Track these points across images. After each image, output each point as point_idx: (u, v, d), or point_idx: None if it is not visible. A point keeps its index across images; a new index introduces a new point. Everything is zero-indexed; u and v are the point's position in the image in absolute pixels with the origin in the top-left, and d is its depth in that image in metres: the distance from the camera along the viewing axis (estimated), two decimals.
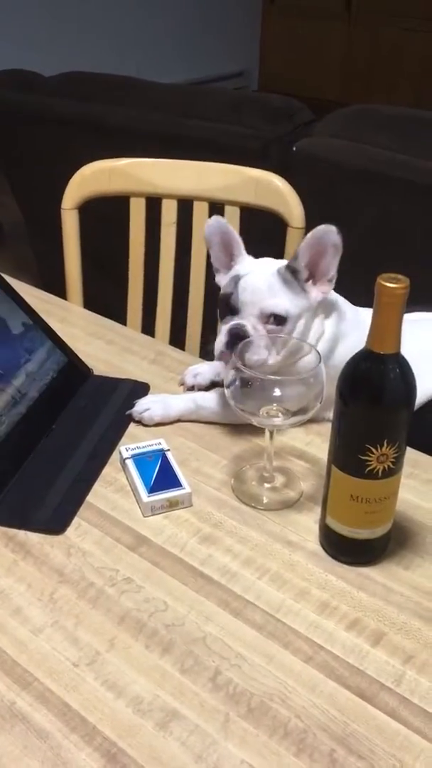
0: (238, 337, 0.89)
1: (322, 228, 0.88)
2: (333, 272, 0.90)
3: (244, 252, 0.96)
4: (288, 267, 0.90)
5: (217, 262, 0.98)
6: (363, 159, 1.67)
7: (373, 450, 0.70)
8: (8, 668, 0.66)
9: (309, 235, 0.89)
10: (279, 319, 0.89)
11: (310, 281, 0.91)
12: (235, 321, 0.91)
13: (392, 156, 1.67)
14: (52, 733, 0.62)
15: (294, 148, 1.70)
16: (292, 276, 0.90)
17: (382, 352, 0.67)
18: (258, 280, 0.91)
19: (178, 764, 0.60)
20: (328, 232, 0.88)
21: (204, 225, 0.95)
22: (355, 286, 1.25)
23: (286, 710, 0.64)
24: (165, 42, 4.61)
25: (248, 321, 0.90)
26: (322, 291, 0.92)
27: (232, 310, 0.92)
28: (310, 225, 1.35)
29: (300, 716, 0.63)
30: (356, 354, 0.70)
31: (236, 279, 0.92)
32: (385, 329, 0.67)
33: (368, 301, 1.06)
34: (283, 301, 0.88)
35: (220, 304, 0.94)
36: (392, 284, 0.64)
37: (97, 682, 0.66)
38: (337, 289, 1.04)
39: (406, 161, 1.66)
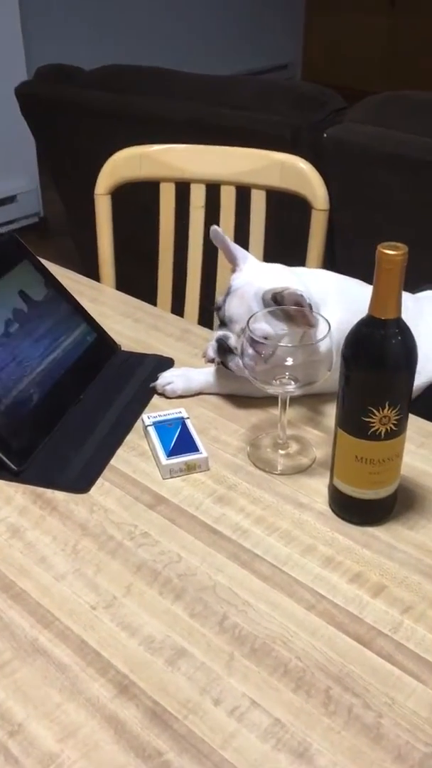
0: (223, 347, 0.96)
1: (290, 293, 0.89)
2: (312, 322, 0.88)
3: (245, 259, 0.99)
4: (273, 295, 0.91)
5: (230, 263, 1.02)
6: (394, 144, 1.69)
7: (375, 412, 0.73)
8: (32, 609, 0.72)
9: (286, 292, 0.89)
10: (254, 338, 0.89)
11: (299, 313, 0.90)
12: (222, 332, 0.97)
13: (423, 141, 1.68)
14: (70, 666, 0.67)
15: (325, 135, 1.73)
16: (275, 304, 0.91)
17: (383, 318, 0.71)
18: (241, 300, 0.94)
19: (185, 696, 0.64)
20: (292, 295, 0.89)
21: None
22: None
23: (287, 652, 0.68)
24: (207, 37, 4.65)
25: (233, 335, 0.96)
26: (302, 327, 0.90)
27: (221, 322, 0.98)
28: (344, 211, 1.38)
29: (300, 657, 0.68)
30: (360, 321, 0.74)
31: (227, 292, 0.97)
32: (386, 295, 0.70)
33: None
34: (261, 325, 0.89)
35: (214, 311, 0.99)
36: (391, 251, 0.68)
37: (113, 623, 0.71)
38: (368, 274, 1.06)
39: None
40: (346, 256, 1.78)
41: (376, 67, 4.99)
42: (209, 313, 1.42)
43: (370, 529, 0.81)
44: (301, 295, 0.87)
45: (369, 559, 0.77)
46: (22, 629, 0.70)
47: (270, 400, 0.98)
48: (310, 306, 0.87)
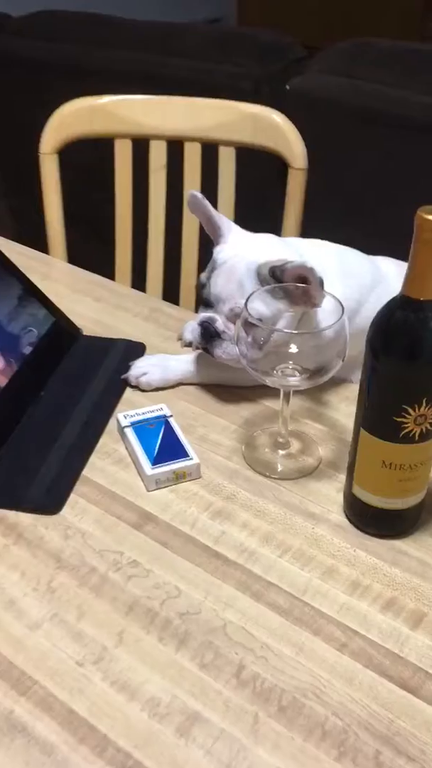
0: (209, 332, 0.82)
1: (295, 266, 0.76)
2: (317, 302, 0.75)
3: (230, 229, 0.85)
4: (271, 270, 0.78)
5: (211, 235, 0.88)
6: (361, 96, 1.56)
7: (411, 411, 0.61)
8: (3, 671, 0.58)
9: (291, 265, 0.76)
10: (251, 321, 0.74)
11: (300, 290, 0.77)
12: (207, 314, 0.83)
13: (390, 92, 1.56)
14: (58, 746, 0.54)
15: (287, 87, 1.58)
16: (273, 279, 0.78)
17: (421, 299, 0.58)
18: (231, 275, 0.81)
19: None
20: (297, 268, 0.76)
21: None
22: (356, 231, 1.16)
23: (322, 707, 0.56)
24: None
25: (220, 317, 0.82)
26: (304, 306, 0.77)
27: (206, 302, 0.84)
28: (311, 167, 1.25)
29: (338, 714, 0.56)
30: (390, 302, 0.61)
31: (212, 266, 0.83)
32: (426, 271, 0.58)
33: (372, 247, 0.98)
34: (256, 303, 0.75)
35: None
36: None
37: (105, 683, 0.58)
38: (338, 238, 0.95)
39: (405, 97, 1.55)
40: (314, 219, 1.65)
41: (316, 18, 4.81)
42: (175, 290, 1.28)
43: (396, 543, 0.70)
44: (311, 269, 0.73)
45: (401, 581, 0.66)
46: None
47: (262, 390, 0.85)
48: (321, 282, 0.74)
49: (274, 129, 1.13)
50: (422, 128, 1.52)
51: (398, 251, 0.99)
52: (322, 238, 0.94)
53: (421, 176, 1.55)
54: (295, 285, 0.75)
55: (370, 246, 0.96)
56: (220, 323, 0.82)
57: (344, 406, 0.86)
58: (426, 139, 1.52)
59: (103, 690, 0.57)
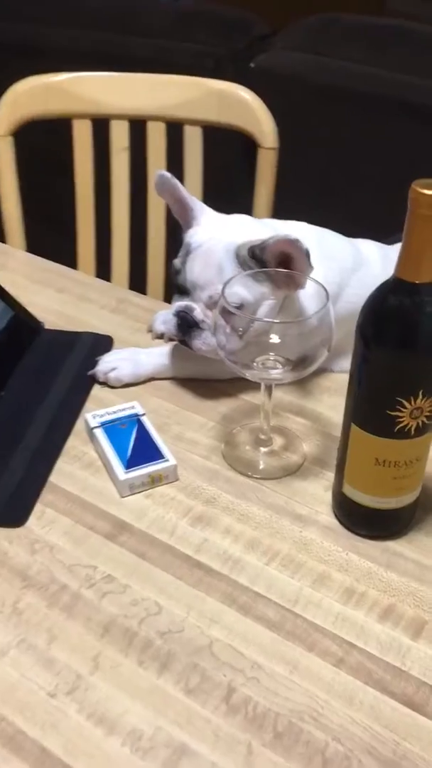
0: (186, 321, 0.76)
1: (278, 240, 0.71)
2: (302, 282, 0.70)
3: (203, 211, 0.80)
4: (251, 250, 0.73)
5: (181, 219, 0.82)
6: (328, 74, 1.51)
7: (406, 404, 0.56)
8: None
9: (273, 239, 0.71)
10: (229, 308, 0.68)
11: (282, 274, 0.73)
12: (184, 302, 0.77)
13: (359, 69, 1.51)
14: None
15: (252, 65, 1.52)
16: (253, 260, 0.73)
17: (417, 282, 0.53)
18: (208, 259, 0.75)
19: None
20: (279, 242, 0.71)
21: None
22: (332, 215, 1.11)
23: (322, 732, 0.52)
24: None
25: (198, 305, 0.76)
26: (288, 290, 0.73)
27: (181, 289, 0.78)
28: (278, 149, 1.20)
29: (339, 738, 0.51)
30: (382, 285, 0.56)
31: (186, 251, 0.77)
32: (420, 251, 0.53)
33: (347, 230, 0.93)
34: (237, 288, 0.70)
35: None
36: (431, 191, 0.50)
37: (81, 715, 0.52)
38: (310, 220, 0.90)
39: (375, 74, 1.50)
40: (283, 200, 1.60)
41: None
42: (141, 279, 1.22)
43: (390, 545, 0.65)
44: (296, 240, 0.68)
45: (397, 586, 0.62)
46: None
47: (240, 383, 0.80)
48: (307, 253, 0.68)
49: (243, 106, 1.07)
50: (390, 104, 1.48)
51: (374, 232, 0.95)
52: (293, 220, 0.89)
53: (389, 154, 1.51)
54: (275, 270, 0.70)
55: (348, 229, 0.91)
56: (199, 312, 0.76)
57: (327, 398, 0.81)
58: (396, 116, 1.48)
59: (78, 723, 0.52)
